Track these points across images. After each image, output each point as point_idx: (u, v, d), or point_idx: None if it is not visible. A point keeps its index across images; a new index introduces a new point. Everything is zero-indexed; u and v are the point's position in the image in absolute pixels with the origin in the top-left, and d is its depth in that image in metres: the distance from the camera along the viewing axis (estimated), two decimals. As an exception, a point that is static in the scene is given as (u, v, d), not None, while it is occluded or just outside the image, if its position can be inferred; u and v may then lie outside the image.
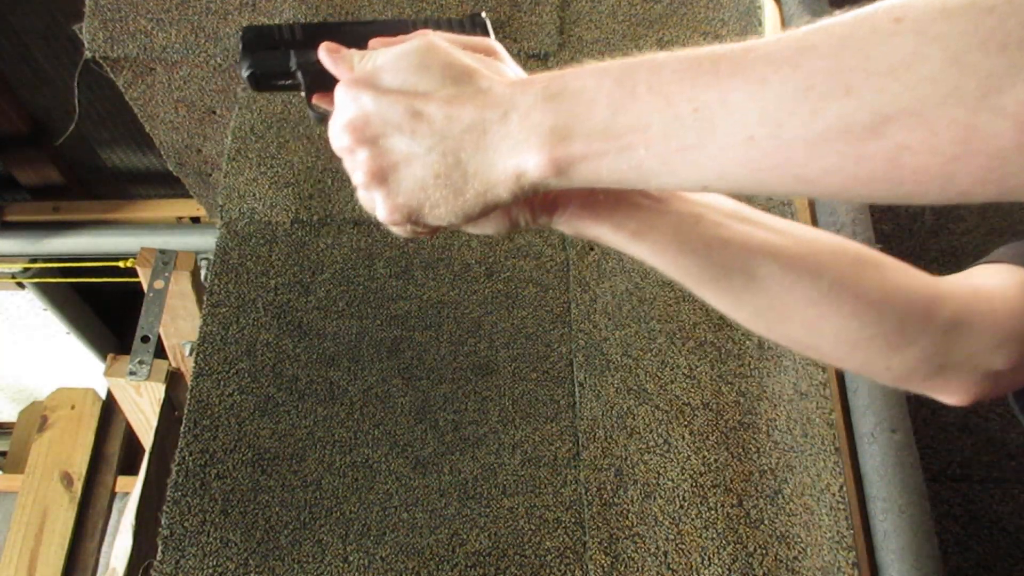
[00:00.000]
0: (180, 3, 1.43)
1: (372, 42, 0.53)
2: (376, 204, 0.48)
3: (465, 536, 1.07)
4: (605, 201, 0.51)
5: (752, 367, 1.16)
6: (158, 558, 1.04)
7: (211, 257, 1.29)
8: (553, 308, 1.24)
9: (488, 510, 1.09)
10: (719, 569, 1.03)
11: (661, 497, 1.08)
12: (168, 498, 1.07)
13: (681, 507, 1.07)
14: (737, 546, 1.04)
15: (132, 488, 1.65)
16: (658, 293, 1.22)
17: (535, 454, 1.13)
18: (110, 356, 1.77)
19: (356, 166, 0.48)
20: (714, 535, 1.05)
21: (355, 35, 0.54)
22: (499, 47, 0.52)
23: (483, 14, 0.58)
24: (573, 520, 1.08)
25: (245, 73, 0.54)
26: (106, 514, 2.18)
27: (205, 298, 1.22)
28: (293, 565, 1.04)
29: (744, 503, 1.07)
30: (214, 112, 1.54)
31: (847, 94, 0.34)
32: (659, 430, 1.12)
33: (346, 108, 0.47)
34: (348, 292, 1.24)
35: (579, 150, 0.42)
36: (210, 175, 1.71)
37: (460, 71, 0.46)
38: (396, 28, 0.54)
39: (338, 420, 1.14)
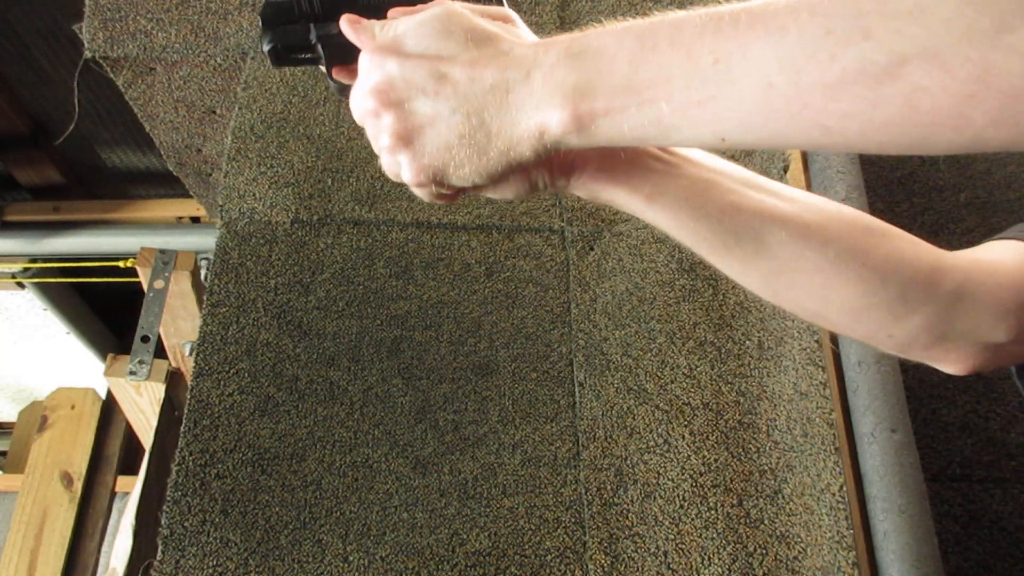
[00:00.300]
0: (180, 3, 1.43)
1: (391, 12, 0.54)
2: (402, 166, 0.49)
3: (465, 536, 1.07)
4: (621, 164, 0.52)
5: (752, 367, 1.16)
6: (158, 558, 1.04)
7: (211, 257, 1.29)
8: (553, 308, 1.24)
9: (488, 510, 1.09)
10: (719, 569, 1.03)
11: (661, 497, 1.08)
12: (168, 498, 1.07)
13: (681, 507, 1.07)
14: (737, 546, 1.04)
15: (132, 488, 1.65)
16: (658, 293, 1.22)
17: (535, 454, 1.13)
18: (110, 356, 1.77)
19: (381, 130, 0.49)
20: (714, 535, 1.05)
21: (373, 7, 0.54)
22: (514, 15, 0.53)
23: None
24: (573, 520, 1.08)
25: (266, 48, 0.55)
26: (106, 514, 2.18)
27: (205, 298, 1.22)
28: (293, 565, 1.04)
29: (744, 503, 1.07)
30: (214, 112, 1.54)
31: (865, 38, 0.35)
32: (659, 430, 1.12)
33: (371, 74, 0.48)
34: (348, 292, 1.24)
35: (601, 105, 0.43)
36: (210, 175, 1.71)
37: (482, 35, 0.47)
38: None
39: (338, 420, 1.14)
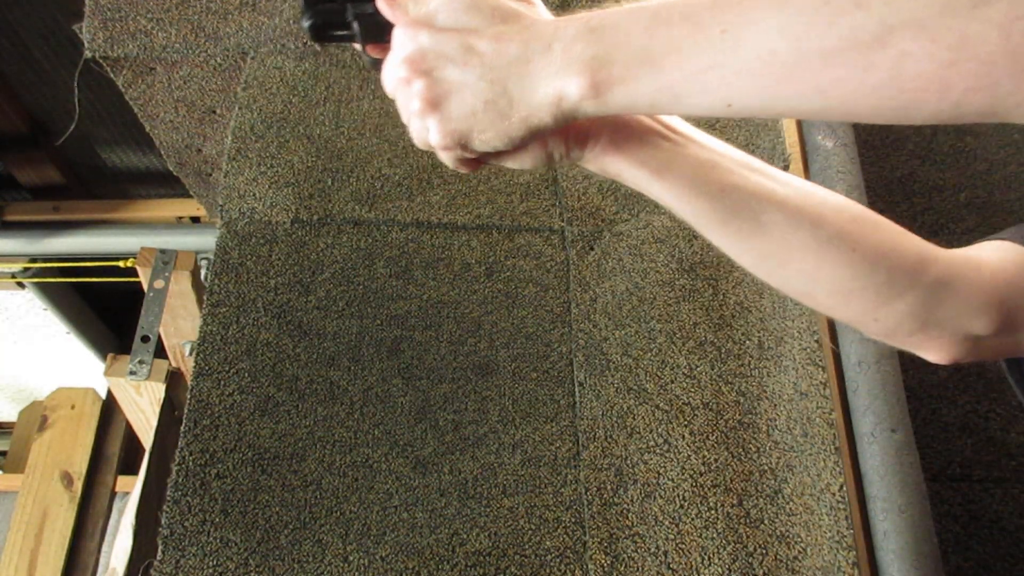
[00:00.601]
0: (180, 3, 1.43)
1: None
2: (430, 129, 0.53)
3: (465, 536, 1.07)
4: (632, 140, 0.56)
5: (752, 367, 1.16)
6: (158, 558, 1.04)
7: (211, 257, 1.29)
8: (553, 308, 1.24)
9: (488, 510, 1.09)
10: (719, 569, 1.03)
11: (661, 497, 1.08)
12: (168, 498, 1.07)
13: (681, 507, 1.07)
14: (737, 546, 1.04)
15: (132, 488, 1.65)
16: (658, 293, 1.22)
17: (535, 454, 1.13)
18: (110, 356, 1.76)
19: (412, 96, 0.53)
20: (714, 535, 1.05)
21: None
22: None
23: None
24: (573, 520, 1.08)
25: (306, 24, 0.60)
26: (106, 514, 2.18)
27: (205, 298, 1.22)
28: (293, 565, 1.04)
29: (744, 503, 1.07)
30: (214, 112, 1.54)
31: (858, 7, 0.39)
32: (659, 430, 1.12)
33: (404, 46, 0.53)
34: (348, 292, 1.24)
35: (617, 73, 0.46)
36: (210, 175, 1.71)
37: (507, 11, 0.52)
38: None
39: (338, 420, 1.14)
